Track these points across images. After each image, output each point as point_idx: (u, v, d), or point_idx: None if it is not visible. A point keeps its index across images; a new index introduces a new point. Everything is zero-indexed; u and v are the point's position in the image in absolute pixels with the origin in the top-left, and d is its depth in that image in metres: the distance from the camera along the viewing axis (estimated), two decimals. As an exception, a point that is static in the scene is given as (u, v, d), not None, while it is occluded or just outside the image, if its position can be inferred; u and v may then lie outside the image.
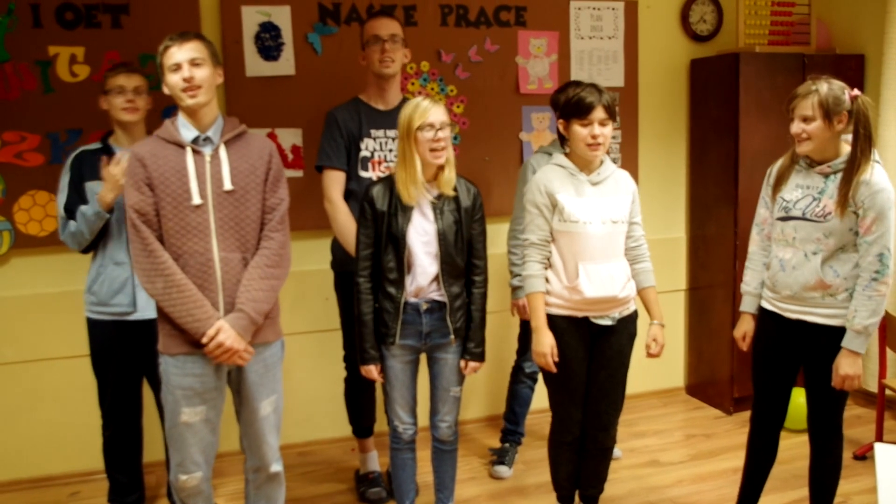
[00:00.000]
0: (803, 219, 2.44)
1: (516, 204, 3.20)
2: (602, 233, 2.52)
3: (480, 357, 2.63)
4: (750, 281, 2.68)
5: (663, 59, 4.04)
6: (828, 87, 2.37)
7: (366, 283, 2.55)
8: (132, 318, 2.74)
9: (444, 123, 2.46)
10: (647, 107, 4.02)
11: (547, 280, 2.57)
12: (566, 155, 2.60)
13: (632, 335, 2.65)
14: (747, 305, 2.69)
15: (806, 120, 2.39)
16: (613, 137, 3.96)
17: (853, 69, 3.95)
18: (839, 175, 2.40)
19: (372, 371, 2.59)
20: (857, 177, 2.35)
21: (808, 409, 2.60)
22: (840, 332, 2.43)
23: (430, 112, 2.45)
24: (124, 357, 2.80)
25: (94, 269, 2.77)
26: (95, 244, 2.74)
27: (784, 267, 2.50)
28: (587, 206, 2.52)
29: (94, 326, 2.80)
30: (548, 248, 2.57)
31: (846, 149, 2.42)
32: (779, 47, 3.89)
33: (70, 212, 2.70)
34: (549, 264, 2.58)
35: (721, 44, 4.07)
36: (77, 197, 2.71)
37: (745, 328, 2.69)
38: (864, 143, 2.35)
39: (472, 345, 2.61)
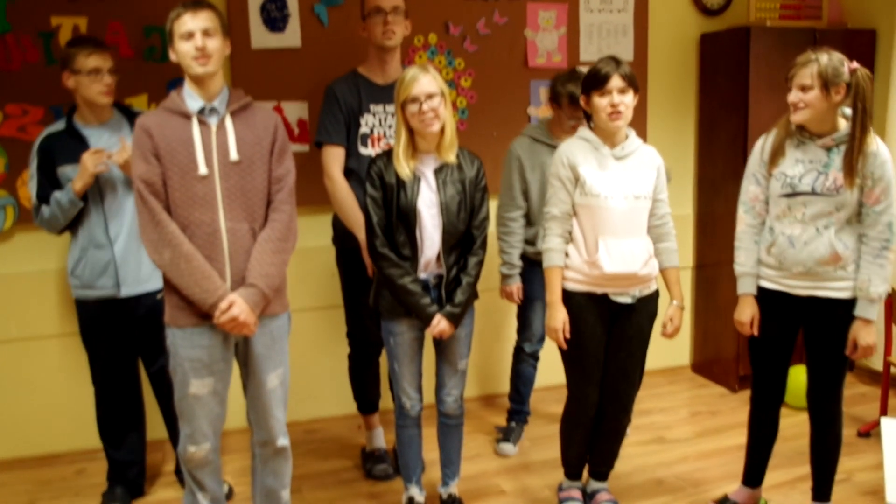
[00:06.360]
0: (813, 193, 2.42)
1: (503, 189, 3.14)
2: (624, 208, 2.48)
3: (454, 319, 2.53)
4: (745, 262, 2.59)
5: (673, 33, 3.98)
6: (827, 57, 2.35)
7: (388, 249, 2.50)
8: (119, 296, 2.73)
9: (430, 94, 2.41)
10: (656, 81, 3.97)
11: (567, 254, 2.54)
12: (591, 129, 2.56)
13: (652, 315, 2.62)
14: (748, 286, 2.59)
15: (804, 89, 2.36)
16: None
17: (864, 44, 3.91)
18: (842, 147, 2.39)
19: (442, 323, 2.51)
20: (864, 148, 2.36)
21: (808, 384, 2.58)
22: (848, 304, 2.44)
23: (413, 85, 2.41)
24: (114, 334, 2.79)
25: (76, 251, 2.74)
26: (73, 225, 2.72)
27: (794, 243, 2.46)
28: (609, 180, 2.48)
29: (81, 306, 2.79)
30: (569, 223, 2.53)
31: (843, 123, 2.41)
32: (790, 21, 3.84)
33: (43, 198, 2.67)
34: (570, 238, 2.54)
35: (731, 18, 4.02)
36: (48, 183, 2.67)
37: (751, 311, 2.58)
38: (864, 116, 2.35)
39: (451, 306, 2.53)
